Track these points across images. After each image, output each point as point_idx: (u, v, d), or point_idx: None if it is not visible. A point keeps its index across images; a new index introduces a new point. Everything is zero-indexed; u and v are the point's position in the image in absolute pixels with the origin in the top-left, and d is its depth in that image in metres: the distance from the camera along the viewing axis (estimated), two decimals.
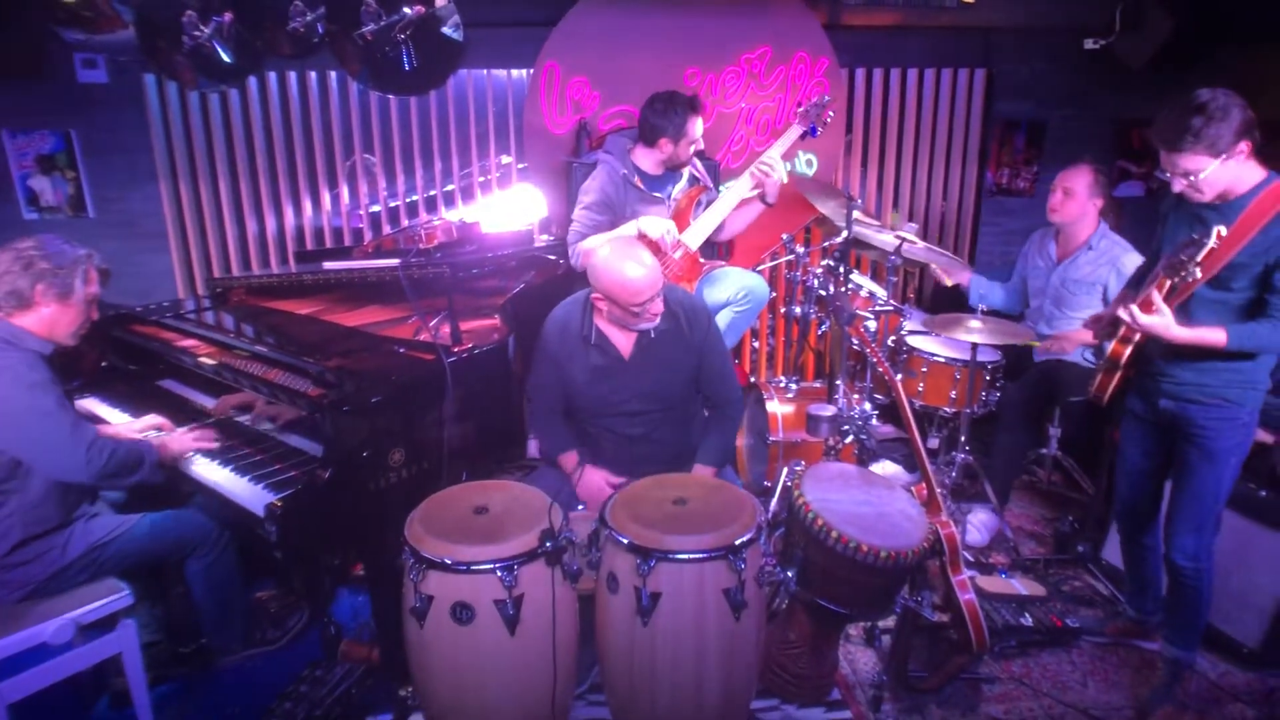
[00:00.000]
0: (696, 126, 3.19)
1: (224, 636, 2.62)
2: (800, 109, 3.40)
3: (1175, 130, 2.06)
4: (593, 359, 2.57)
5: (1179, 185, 2.15)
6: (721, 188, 3.54)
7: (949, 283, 3.68)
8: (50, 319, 2.22)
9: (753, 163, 3.26)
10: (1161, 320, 2.13)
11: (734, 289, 3.22)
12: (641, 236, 3.06)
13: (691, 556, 1.87)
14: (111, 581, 2.29)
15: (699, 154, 3.36)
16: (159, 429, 2.57)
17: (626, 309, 2.43)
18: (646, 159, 3.27)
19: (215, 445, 2.46)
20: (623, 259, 2.41)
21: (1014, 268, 3.73)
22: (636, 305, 2.41)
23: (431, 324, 2.58)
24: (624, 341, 2.58)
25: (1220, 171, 2.09)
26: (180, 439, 2.45)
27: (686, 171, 3.35)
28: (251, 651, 2.67)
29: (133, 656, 2.26)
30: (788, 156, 3.43)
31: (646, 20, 4.01)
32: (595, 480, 2.56)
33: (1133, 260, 3.19)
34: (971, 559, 3.12)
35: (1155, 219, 2.43)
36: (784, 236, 3.63)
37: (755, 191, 3.25)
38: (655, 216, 3.15)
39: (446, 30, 3.62)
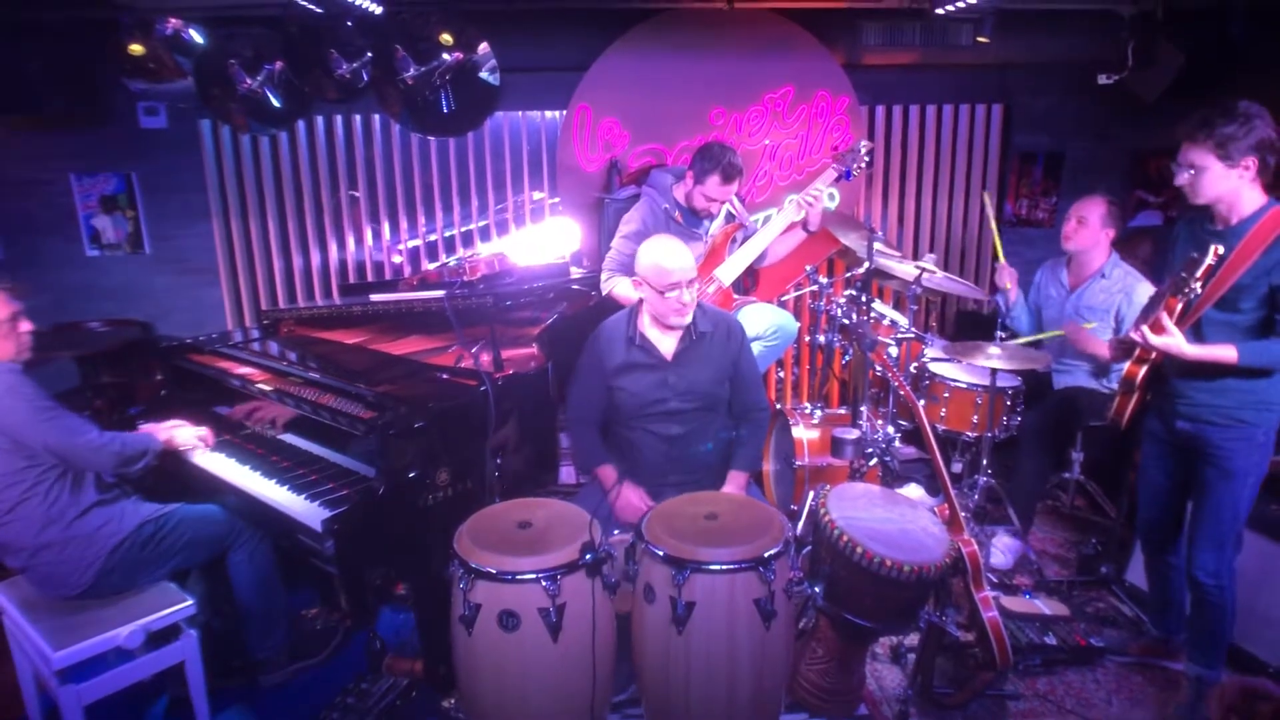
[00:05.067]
0: (715, 185, 3.24)
1: (268, 641, 2.70)
2: (837, 152, 3.51)
3: (1195, 122, 2.19)
4: (636, 358, 2.76)
5: (1181, 178, 2.26)
6: (753, 219, 3.67)
7: (1007, 285, 3.68)
8: None
9: (780, 197, 3.38)
10: (1173, 340, 2.22)
11: (765, 325, 3.35)
12: None
13: (724, 567, 1.97)
14: (175, 591, 2.46)
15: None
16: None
17: (659, 292, 2.64)
18: (685, 194, 3.39)
19: (214, 440, 2.74)
20: (663, 246, 2.67)
21: (1028, 295, 3.79)
22: (667, 285, 2.62)
23: (473, 351, 2.73)
24: (666, 343, 2.76)
25: (1220, 178, 2.20)
26: (184, 433, 2.68)
27: (724, 208, 3.47)
28: (295, 667, 2.78)
29: (195, 665, 2.41)
30: None
31: (674, 64, 4.21)
32: (632, 498, 2.68)
33: (1145, 289, 3.26)
34: (995, 580, 3.18)
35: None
36: (807, 268, 3.76)
37: (799, 215, 3.36)
38: None
39: (484, 75, 3.85)
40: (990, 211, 3.72)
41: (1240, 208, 2.24)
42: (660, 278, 2.63)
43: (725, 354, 2.79)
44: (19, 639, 2.41)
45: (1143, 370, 2.41)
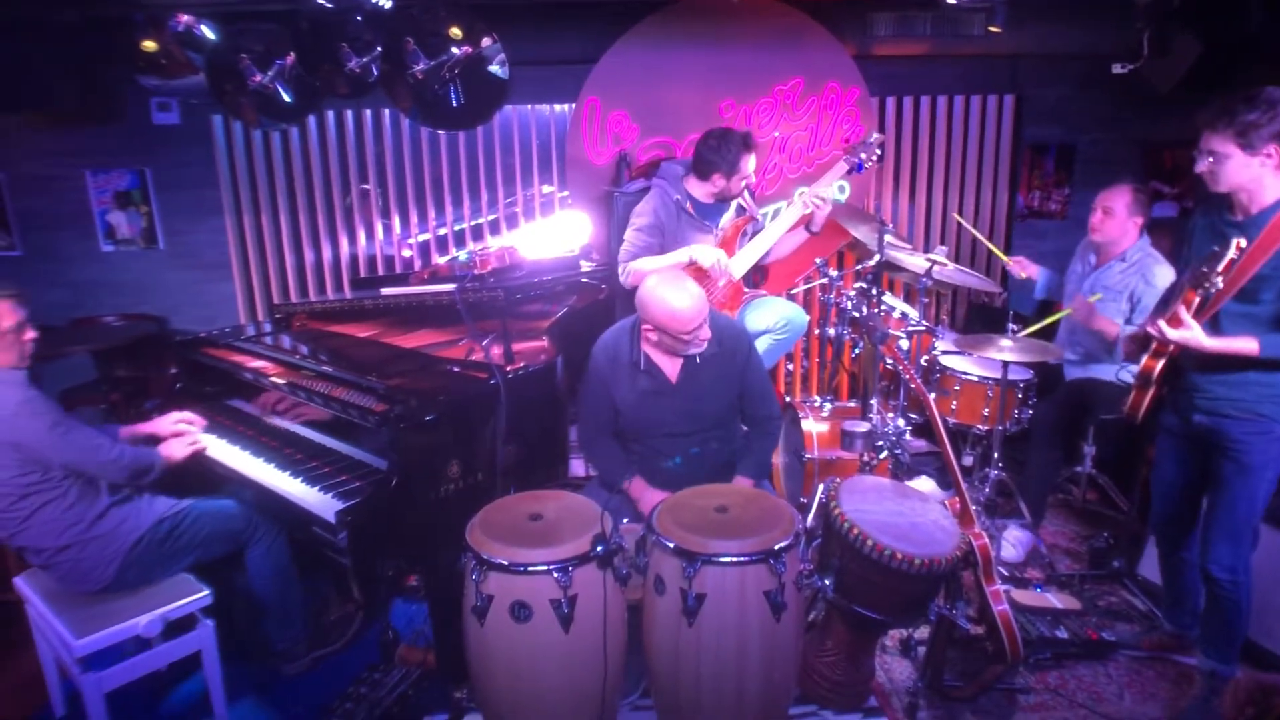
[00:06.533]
0: (749, 163, 3.29)
1: (287, 632, 2.74)
2: (848, 145, 3.49)
3: (1217, 109, 2.17)
4: (641, 384, 2.69)
5: (1202, 165, 2.24)
6: (762, 213, 3.66)
7: (1022, 275, 3.69)
8: None
9: (789, 190, 3.37)
10: (1191, 333, 2.20)
11: (774, 318, 3.32)
12: (692, 264, 3.18)
13: (734, 560, 1.98)
14: (193, 582, 2.49)
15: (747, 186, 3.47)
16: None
17: (675, 337, 2.56)
18: (698, 189, 3.37)
19: (201, 446, 2.72)
20: (670, 290, 2.53)
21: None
22: (685, 333, 2.54)
23: (484, 344, 2.74)
24: (671, 366, 2.70)
25: (1242, 166, 2.16)
26: (180, 443, 2.67)
27: (735, 202, 3.46)
28: (315, 655, 2.82)
29: (211, 654, 2.44)
30: None
31: (683, 56, 4.20)
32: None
33: (1164, 272, 3.20)
34: (1006, 573, 3.17)
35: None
36: (818, 260, 3.75)
37: (807, 210, 3.33)
38: (706, 245, 3.26)
39: (493, 69, 3.85)
40: (968, 226, 3.72)
41: (1261, 197, 2.21)
42: (681, 325, 2.52)
43: (732, 368, 2.71)
44: (42, 628, 2.45)
45: (1159, 364, 2.38)
